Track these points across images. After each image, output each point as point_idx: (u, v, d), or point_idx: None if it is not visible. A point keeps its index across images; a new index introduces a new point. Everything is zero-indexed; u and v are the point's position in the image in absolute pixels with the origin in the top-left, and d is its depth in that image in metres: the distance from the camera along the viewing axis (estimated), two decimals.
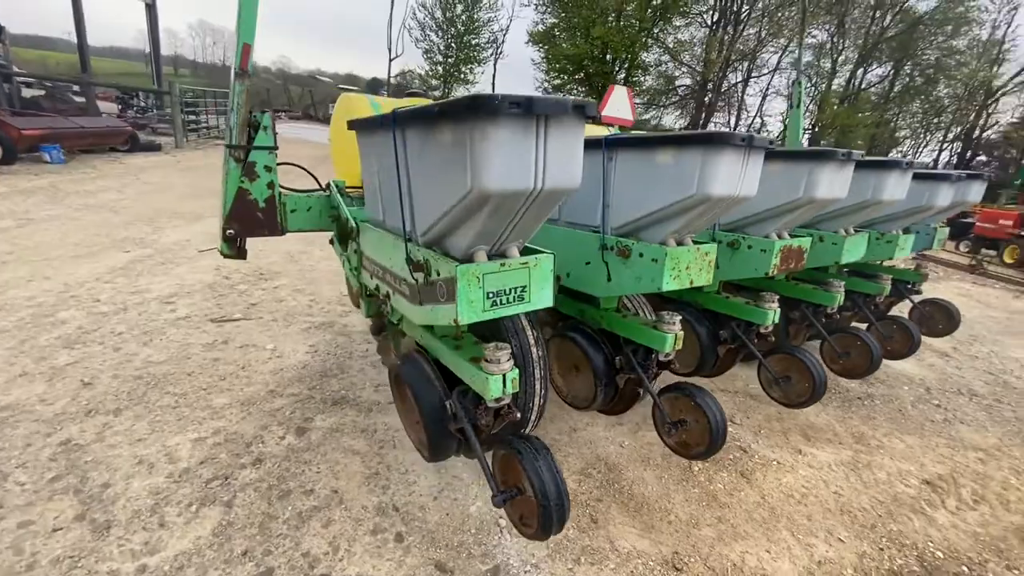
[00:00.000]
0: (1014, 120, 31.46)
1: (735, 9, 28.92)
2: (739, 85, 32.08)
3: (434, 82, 36.69)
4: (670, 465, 2.70)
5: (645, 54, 28.66)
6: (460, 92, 38.24)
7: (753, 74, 31.58)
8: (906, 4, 26.79)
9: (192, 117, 15.27)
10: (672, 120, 36.58)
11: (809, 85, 30.57)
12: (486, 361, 1.66)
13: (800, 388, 2.88)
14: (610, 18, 26.88)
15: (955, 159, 31.11)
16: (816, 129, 29.92)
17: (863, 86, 30.24)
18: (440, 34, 35.26)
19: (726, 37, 28.88)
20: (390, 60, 35.01)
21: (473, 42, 35.29)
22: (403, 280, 1.83)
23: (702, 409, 2.19)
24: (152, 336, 3.48)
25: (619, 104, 5.04)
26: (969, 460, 3.11)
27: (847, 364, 3.44)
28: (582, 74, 29.02)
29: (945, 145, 31.86)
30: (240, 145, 2.34)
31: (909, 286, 4.19)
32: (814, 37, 29.87)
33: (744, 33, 28.87)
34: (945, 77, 28.40)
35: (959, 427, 3.51)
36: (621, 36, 25.88)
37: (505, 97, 1.16)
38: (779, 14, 28.23)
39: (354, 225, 2.30)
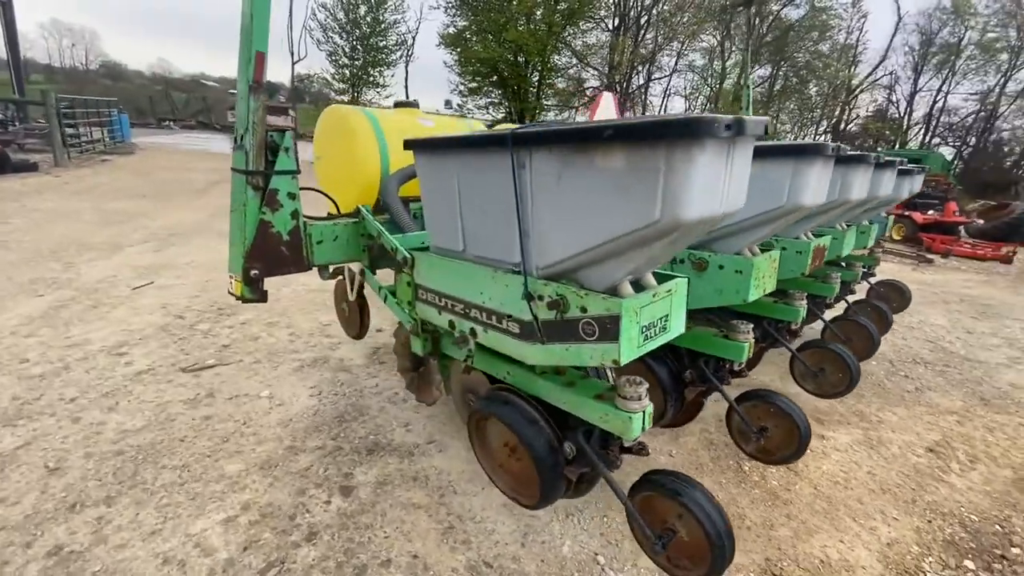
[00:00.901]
0: (868, 114, 36.40)
1: (634, 16, 30.61)
2: (642, 87, 34.02)
3: (340, 85, 35.12)
4: (722, 468, 2.73)
5: (557, 57, 29.44)
6: (370, 96, 36.92)
7: (655, 76, 33.63)
8: (780, 13, 29.93)
9: (71, 131, 13.25)
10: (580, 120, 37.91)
11: (704, 85, 33.21)
12: (623, 398, 1.54)
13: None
14: (520, 22, 27.26)
15: None
16: None
17: (749, 86, 33.32)
18: (344, 36, 33.78)
19: (628, 42, 30.46)
20: (293, 63, 33.01)
21: (380, 44, 34.23)
22: (507, 316, 1.65)
23: (786, 413, 2.20)
24: (116, 398, 2.92)
25: (607, 109, 5.06)
26: (950, 424, 3.47)
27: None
28: (496, 76, 29.19)
29: (817, 137, 36.06)
30: (258, 171, 2.01)
31: (865, 270, 4.61)
32: (703, 42, 32.47)
33: (643, 38, 30.64)
34: (815, 77, 32.14)
35: (929, 394, 3.91)
36: (534, 39, 26.33)
37: (719, 119, 1.05)
38: (672, 19, 30.33)
39: (407, 256, 2.06)
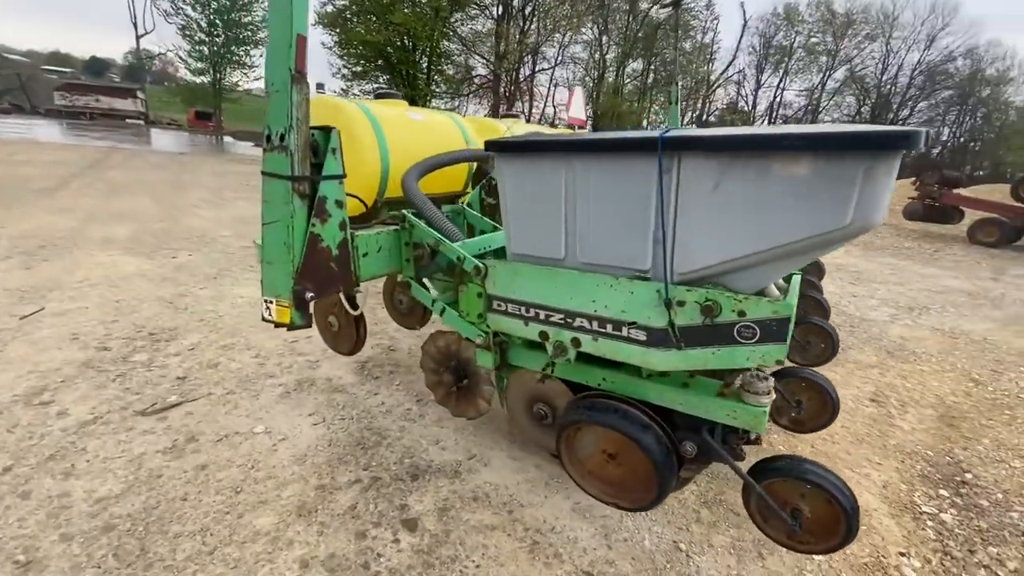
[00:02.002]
0: (723, 107, 41.19)
1: (518, 5, 31.05)
2: (530, 77, 34.78)
3: (198, 64, 31.05)
4: None
5: (447, 43, 28.85)
6: (236, 77, 33.11)
7: (540, 67, 34.58)
8: (650, 11, 32.38)
9: None
10: (474, 109, 37.84)
11: (587, 76, 34.91)
12: (754, 393, 1.60)
13: None
14: (406, 5, 26.17)
15: None
16: (597, 114, 34.43)
17: (625, 79, 35.81)
18: (199, 8, 29.80)
19: (514, 31, 30.87)
20: (138, 37, 28.42)
21: (244, 20, 30.80)
22: (631, 324, 1.62)
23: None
24: (67, 459, 2.34)
25: (578, 105, 5.05)
26: (876, 376, 4.12)
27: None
28: (383, 61, 27.83)
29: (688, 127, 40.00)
30: (305, 176, 1.74)
31: None
32: (583, 34, 34.08)
33: (528, 28, 31.27)
34: (681, 72, 35.43)
35: (851, 352, 4.60)
36: (421, 23, 25.46)
37: (919, 132, 1.12)
38: (555, 11, 31.33)
39: (480, 265, 1.91)
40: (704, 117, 38.78)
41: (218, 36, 29.72)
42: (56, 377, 3.02)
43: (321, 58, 29.42)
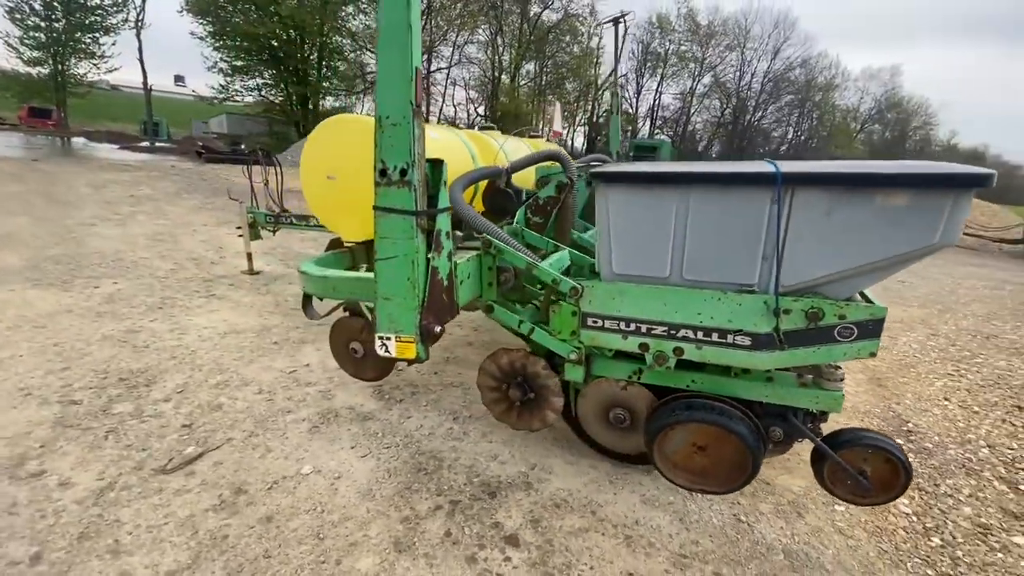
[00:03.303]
0: (608, 109, 44.07)
1: None
2: (426, 76, 34.31)
3: (32, 54, 26.34)
4: None
5: (339, 38, 27.47)
6: (84, 69, 28.49)
7: (436, 67, 34.27)
8: (541, 15, 33.58)
9: None
10: (369, 107, 36.47)
11: (485, 77, 35.32)
12: (831, 380, 1.93)
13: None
14: None
15: (585, 140, 41.77)
16: (496, 116, 35.00)
17: (522, 80, 36.82)
18: None
19: None
20: None
21: (90, 3, 26.68)
22: (737, 332, 1.86)
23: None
24: (106, 535, 2.04)
25: (558, 118, 5.16)
26: None
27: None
28: (268, 55, 25.76)
29: (577, 128, 42.16)
30: (424, 211, 1.76)
31: None
32: (479, 35, 34.41)
33: (423, 26, 30.85)
34: (572, 75, 37.26)
35: None
36: (310, 16, 23.96)
37: (992, 174, 1.48)
38: (447, 11, 31.26)
39: (577, 286, 2.04)
40: (594, 118, 41.25)
41: (57, 20, 25.38)
42: (31, 442, 2.56)
43: (192, 49, 26.40)
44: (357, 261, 2.99)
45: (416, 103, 1.67)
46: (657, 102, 42.72)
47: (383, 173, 1.70)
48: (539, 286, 2.58)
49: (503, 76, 34.88)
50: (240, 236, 5.64)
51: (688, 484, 2.22)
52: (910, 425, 3.54)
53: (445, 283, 1.86)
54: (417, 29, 1.64)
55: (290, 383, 3.37)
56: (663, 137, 41.35)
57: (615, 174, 1.87)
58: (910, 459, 2.96)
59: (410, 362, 1.86)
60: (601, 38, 38.03)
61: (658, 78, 41.19)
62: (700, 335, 1.92)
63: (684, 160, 17.51)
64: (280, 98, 27.22)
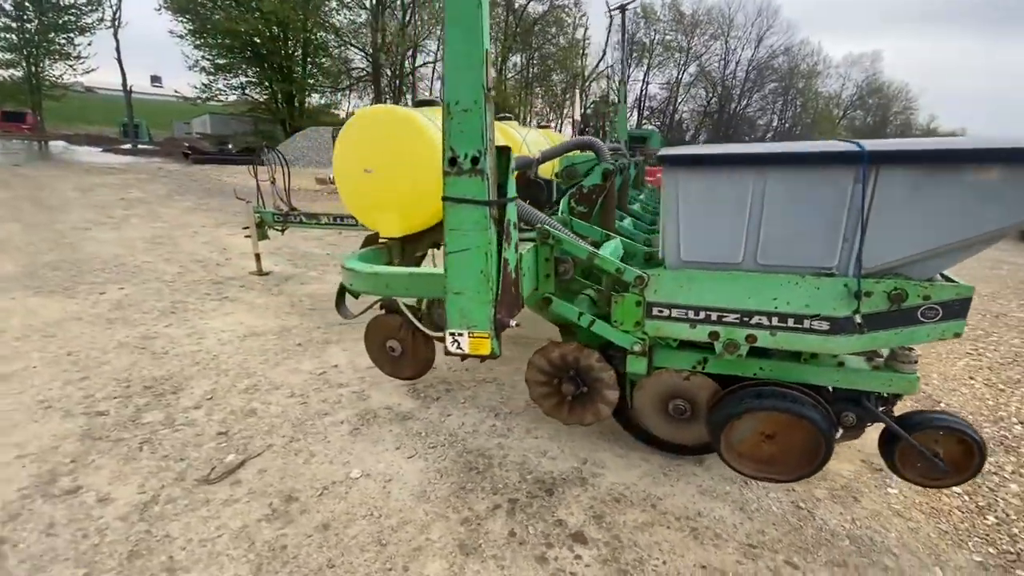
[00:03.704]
0: (596, 99, 43.98)
1: None
2: (412, 72, 33.89)
3: (6, 55, 25.53)
4: None
5: (323, 34, 26.99)
6: (60, 71, 27.65)
7: (423, 61, 33.88)
8: (527, 7, 33.33)
9: None
10: (354, 103, 35.98)
11: None
12: (905, 363, 1.90)
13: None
14: None
15: (574, 132, 41.57)
16: None
17: (509, 73, 36.55)
18: None
19: (393, 23, 29.83)
20: None
21: (64, 3, 25.88)
22: (814, 317, 1.81)
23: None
24: (157, 552, 1.95)
25: (577, 105, 5.06)
26: None
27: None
28: (251, 53, 25.22)
29: (566, 119, 41.99)
30: (496, 200, 1.69)
31: None
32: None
33: (410, 20, 30.44)
34: (559, 67, 37.08)
35: None
36: (293, 12, 23.46)
37: None
38: (431, 4, 30.88)
39: (643, 275, 1.97)
40: (583, 110, 41.11)
41: (29, 21, 24.58)
42: (60, 457, 2.44)
43: (171, 48, 25.65)
44: (394, 257, 2.90)
45: (488, 86, 1.59)
46: (644, 92, 42.77)
47: (453, 162, 1.62)
48: (582, 276, 2.51)
49: (490, 69, 34.57)
50: (247, 237, 5.49)
51: (753, 473, 2.18)
52: (942, 405, 3.55)
53: (513, 275, 1.79)
54: (486, 7, 1.55)
55: (321, 385, 3.28)
56: (650, 127, 41.42)
57: (688, 156, 1.80)
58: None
59: (483, 358, 1.79)
60: (587, 29, 37.95)
61: (644, 68, 41.20)
62: (775, 321, 1.87)
63: None
64: (265, 96, 26.70)
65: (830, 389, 2.07)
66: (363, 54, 32.15)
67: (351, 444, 2.69)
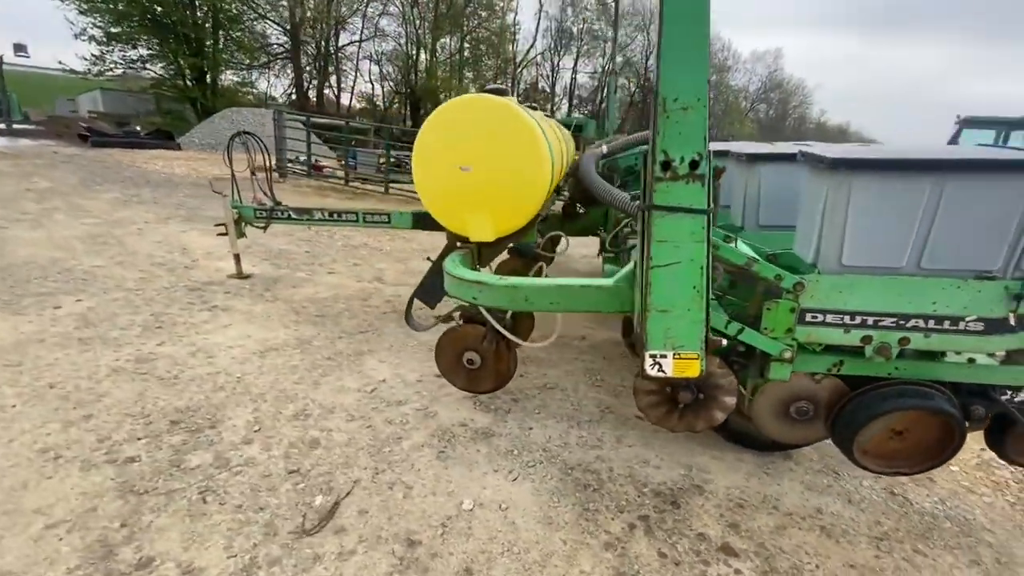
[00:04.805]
0: (527, 86, 43.94)
1: None
2: (335, 52, 31.81)
3: None
4: None
5: (239, 4, 24.48)
6: None
7: (349, 40, 31.91)
8: None
9: None
10: (274, 82, 33.27)
11: (398, 50, 33.53)
12: None
13: None
14: None
15: None
16: (415, 95, 33.56)
17: (440, 57, 35.39)
18: None
19: None
20: None
21: None
22: (970, 319, 1.87)
23: None
24: None
25: None
26: None
27: None
28: (151, 22, 22.30)
29: None
30: (712, 208, 1.58)
31: None
32: (392, 7, 32.54)
33: None
34: (491, 51, 36.51)
35: None
36: None
37: None
38: None
39: (800, 281, 1.93)
40: (516, 96, 40.83)
41: None
42: (104, 522, 1.98)
43: (54, 14, 21.99)
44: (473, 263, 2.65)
45: (707, 81, 1.44)
46: (574, 81, 43.37)
47: (666, 166, 1.45)
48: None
49: (421, 52, 33.33)
50: (220, 235, 4.85)
51: (880, 469, 2.24)
52: None
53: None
54: None
55: (378, 404, 2.96)
56: (578, 115, 42.10)
57: (863, 161, 1.76)
58: None
59: (686, 381, 1.65)
60: (516, 14, 37.65)
61: (574, 56, 41.71)
62: (931, 323, 1.90)
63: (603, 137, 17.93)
64: (171, 72, 23.81)
65: (958, 384, 2.16)
66: (281, 29, 29.72)
67: (444, 471, 2.45)
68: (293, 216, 4.84)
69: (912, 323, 1.91)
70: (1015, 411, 2.09)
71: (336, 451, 2.52)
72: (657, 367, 1.64)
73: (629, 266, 2.08)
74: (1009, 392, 2.14)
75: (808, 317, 1.98)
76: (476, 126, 2.31)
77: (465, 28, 34.39)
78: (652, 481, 2.48)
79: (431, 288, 2.83)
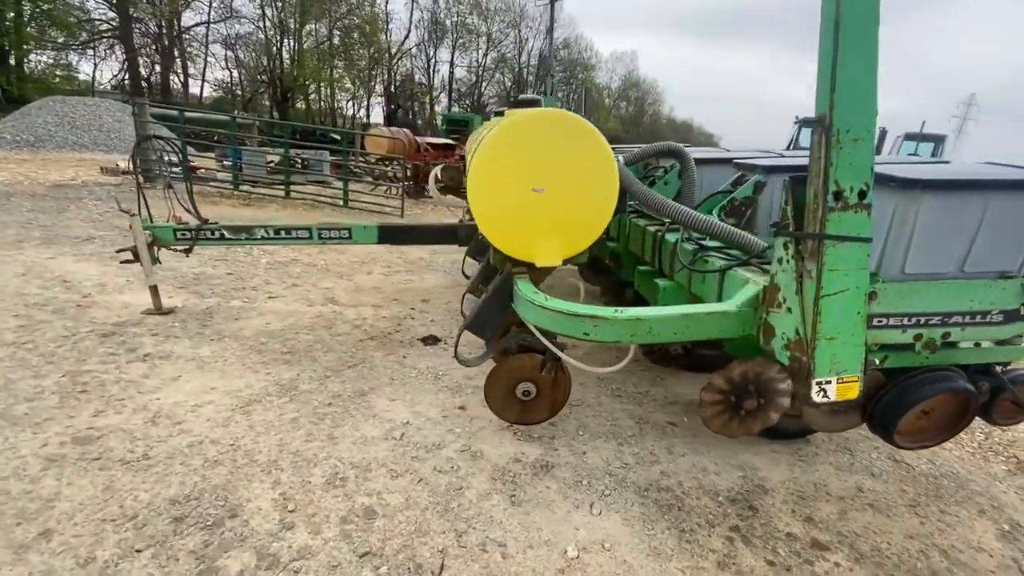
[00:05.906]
0: (403, 78, 42.51)
1: None
2: (178, 34, 27.57)
3: None
4: None
5: None
6: None
7: (196, 20, 27.86)
8: None
9: None
10: (89, 68, 27.96)
11: (267, 39, 30.17)
12: (1016, 338, 2.44)
13: None
14: None
15: (384, 111, 39.56)
16: (283, 84, 30.57)
17: (307, 44, 32.61)
18: None
19: None
20: None
21: None
22: (994, 312, 2.19)
23: None
24: None
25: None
26: None
27: None
28: None
29: (377, 100, 39.62)
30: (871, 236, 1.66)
31: None
32: None
33: None
34: (364, 39, 34.55)
35: None
36: None
37: None
38: None
39: (875, 290, 2.10)
40: (391, 88, 39.38)
41: None
42: None
43: None
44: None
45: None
46: (452, 74, 42.97)
47: (838, 196, 1.46)
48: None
49: (285, 37, 30.41)
50: (125, 262, 3.95)
51: (909, 445, 2.55)
52: None
53: None
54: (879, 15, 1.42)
55: (416, 451, 2.63)
56: (458, 110, 41.97)
57: (933, 181, 1.96)
58: None
59: (844, 403, 1.68)
60: (388, 2, 36.11)
61: (450, 50, 41.28)
62: (967, 319, 2.20)
63: None
64: None
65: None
66: (106, 2, 25.01)
67: (527, 517, 2.26)
68: (228, 236, 4.11)
69: (954, 319, 2.18)
70: (1005, 380, 2.51)
71: (400, 518, 2.19)
72: (822, 393, 1.67)
73: (749, 289, 2.08)
74: (1000, 367, 2.57)
75: (875, 322, 2.16)
76: (553, 145, 2.12)
77: (334, 15, 32.08)
78: (720, 488, 2.55)
79: (485, 320, 2.57)
